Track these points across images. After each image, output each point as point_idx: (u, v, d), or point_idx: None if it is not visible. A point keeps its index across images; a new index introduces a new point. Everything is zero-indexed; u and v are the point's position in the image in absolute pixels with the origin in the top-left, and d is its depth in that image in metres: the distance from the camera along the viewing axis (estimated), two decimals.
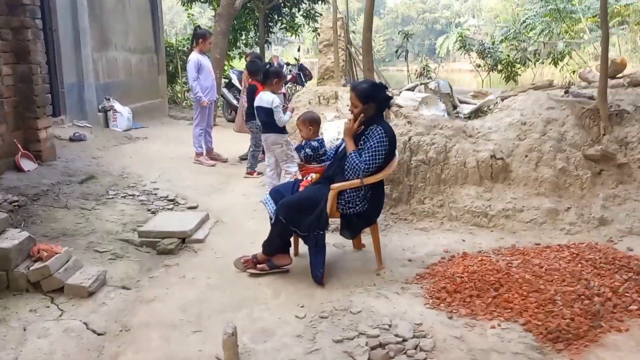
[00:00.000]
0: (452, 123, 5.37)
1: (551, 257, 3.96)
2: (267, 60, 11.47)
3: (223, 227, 5.18)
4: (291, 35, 16.13)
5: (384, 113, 4.16)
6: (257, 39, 15.99)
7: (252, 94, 6.83)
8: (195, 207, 5.67)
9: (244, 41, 15.48)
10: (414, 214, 4.93)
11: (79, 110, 8.68)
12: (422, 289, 3.74)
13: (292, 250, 4.30)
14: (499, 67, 16.22)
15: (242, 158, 7.76)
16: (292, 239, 4.24)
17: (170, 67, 14.17)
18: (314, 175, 4.16)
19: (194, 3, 14.77)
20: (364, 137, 3.90)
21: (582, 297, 3.35)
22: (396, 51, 13.99)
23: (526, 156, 5.05)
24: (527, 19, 16.33)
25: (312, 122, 4.28)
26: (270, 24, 15.51)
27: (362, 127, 3.96)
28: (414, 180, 5.02)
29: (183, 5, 14.94)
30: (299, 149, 4.28)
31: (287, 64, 11.25)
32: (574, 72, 17.59)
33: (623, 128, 5.13)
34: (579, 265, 3.80)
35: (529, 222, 4.72)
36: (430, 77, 16.44)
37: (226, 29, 10.31)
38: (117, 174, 6.39)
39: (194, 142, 7.38)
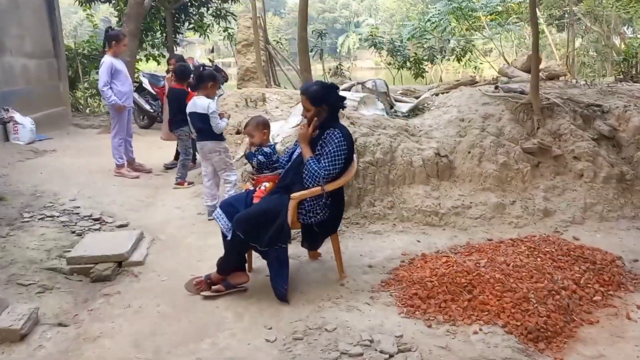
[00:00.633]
0: (393, 122, 5.31)
1: (509, 253, 3.98)
2: None
3: (162, 245, 4.76)
4: (200, 36, 15.52)
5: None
6: (163, 40, 15.27)
7: (177, 99, 6.42)
8: (125, 225, 5.18)
9: (150, 42, 14.68)
10: (365, 217, 4.80)
11: None
12: (392, 296, 3.61)
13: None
14: (407, 64, 16.66)
15: (168, 167, 7.28)
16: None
17: (70, 72, 13.13)
18: (267, 185, 3.89)
19: (92, 3, 13.77)
20: (320, 141, 3.70)
21: (553, 292, 3.37)
22: (311, 50, 13.87)
23: (469, 152, 5.09)
24: (431, 17, 16.86)
25: (265, 126, 4.01)
26: (177, 24, 14.84)
27: (317, 131, 3.76)
28: (362, 183, 4.88)
29: (80, 5, 13.89)
30: (249, 156, 3.99)
31: (203, 66, 10.75)
32: (475, 67, 18.49)
33: (555, 121, 5.31)
34: (539, 259, 3.85)
35: (478, 218, 4.74)
36: (344, 76, 16.57)
37: (135, 30, 9.67)
38: (29, 193, 5.71)
39: (113, 154, 6.79)
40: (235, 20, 14.88)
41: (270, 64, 10.48)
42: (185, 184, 6.43)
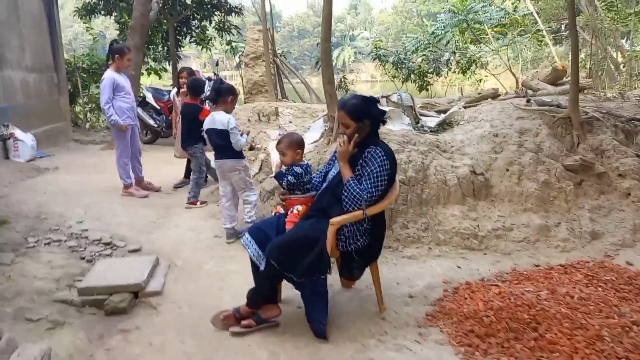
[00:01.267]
0: (423, 138, 4.99)
1: (566, 282, 3.64)
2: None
3: (179, 272, 4.39)
4: (202, 49, 15.24)
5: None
6: (165, 54, 14.98)
7: (191, 114, 6.08)
8: (138, 250, 4.82)
9: (152, 56, 14.39)
10: (398, 240, 4.45)
11: None
12: (443, 333, 3.25)
13: None
14: (412, 77, 16.46)
15: (177, 186, 6.92)
16: None
17: (69, 86, 12.79)
18: (299, 208, 3.53)
19: (93, 15, 13.47)
20: (360, 160, 3.35)
21: (626, 328, 3.02)
22: (316, 63, 13.62)
23: (507, 170, 4.76)
24: (435, 29, 16.69)
25: (300, 145, 3.66)
26: (179, 37, 14.56)
27: (357, 149, 3.42)
28: (394, 203, 4.54)
29: (81, 18, 13.60)
30: (279, 176, 3.63)
31: (209, 79, 10.44)
32: (480, 80, 18.31)
33: (595, 136, 5.00)
34: (599, 288, 3.51)
35: (521, 242, 4.40)
36: (348, 89, 16.32)
37: (140, 43, 9.35)
38: (33, 215, 5.34)
39: (120, 174, 6.41)
40: (239, 33, 14.66)
41: (278, 77, 10.18)
42: (198, 203, 6.07)
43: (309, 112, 7.24)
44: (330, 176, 3.54)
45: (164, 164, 8.11)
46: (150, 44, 14.02)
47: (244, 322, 3.38)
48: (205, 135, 4.89)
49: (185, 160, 6.97)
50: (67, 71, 12.05)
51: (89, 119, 13.94)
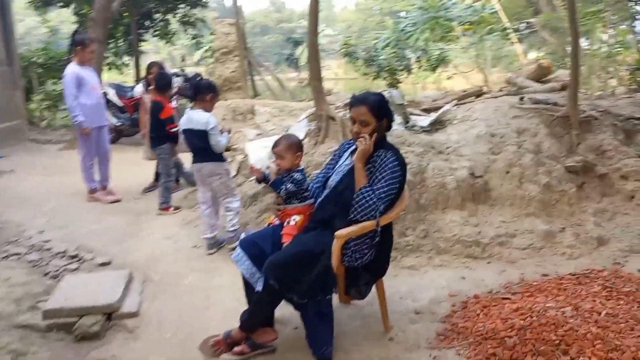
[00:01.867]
0: (419, 139, 4.68)
1: (583, 295, 3.39)
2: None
3: (157, 288, 3.96)
4: (166, 43, 14.63)
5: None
6: (126, 48, 14.30)
7: (157, 112, 5.61)
8: (108, 263, 4.37)
9: (113, 50, 13.68)
10: (396, 249, 4.12)
11: None
12: (460, 355, 2.94)
13: None
14: (382, 74, 16.24)
15: (147, 190, 6.43)
16: None
17: (24, 82, 12.01)
18: (297, 218, 3.16)
19: (49, 7, 12.69)
20: (369, 165, 3.01)
21: None
22: (287, 58, 13.24)
23: (507, 172, 4.50)
24: (405, 26, 16.52)
25: (300, 148, 3.28)
26: (140, 30, 13.91)
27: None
28: None
29: (36, 10, 12.80)
30: (276, 184, 3.24)
31: (176, 75, 9.92)
32: (448, 78, 18.28)
33: (595, 135, 4.80)
34: (621, 302, 3.26)
35: (526, 249, 4.15)
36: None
37: (102, 36, 8.74)
38: None
39: (84, 177, 5.89)
40: (206, 27, 14.11)
41: (250, 74, 9.73)
42: (171, 209, 5.61)
43: (287, 110, 6.86)
44: (332, 182, 3.17)
45: (130, 166, 7.57)
46: (110, 37, 13.33)
47: (236, 349, 3.00)
48: (183, 136, 4.46)
49: (155, 162, 6.49)
50: (21, 66, 11.30)
51: (45, 117, 13.14)
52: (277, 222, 3.29)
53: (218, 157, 4.40)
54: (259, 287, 2.89)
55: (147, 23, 13.99)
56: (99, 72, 9.24)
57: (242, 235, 4.51)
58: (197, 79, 4.38)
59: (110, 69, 14.21)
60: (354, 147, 3.24)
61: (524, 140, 4.70)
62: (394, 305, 3.54)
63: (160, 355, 3.09)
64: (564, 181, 4.50)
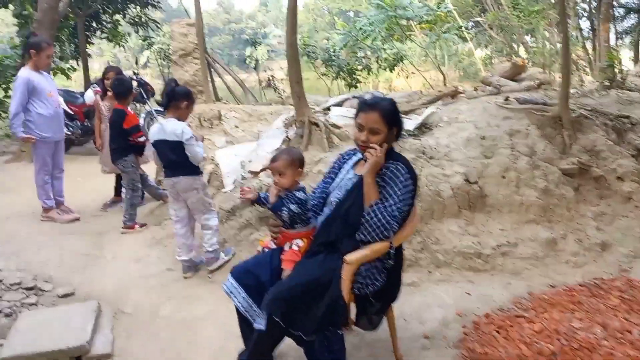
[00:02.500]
0: (407, 143, 4.39)
1: (602, 309, 3.17)
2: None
3: (131, 322, 3.51)
4: (115, 45, 13.88)
5: None
6: (73, 52, 13.47)
7: (120, 122, 5.11)
8: (71, 294, 3.88)
9: (59, 54, 12.84)
10: None
11: None
12: None
13: None
14: (342, 74, 16.00)
15: (108, 206, 5.89)
16: None
17: None
18: (300, 243, 2.78)
19: None
20: (377, 178, 2.66)
21: None
22: (244, 60, 12.77)
23: (503, 177, 4.26)
24: (363, 25, 16.30)
25: (302, 164, 2.89)
26: (88, 33, 13.13)
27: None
28: None
29: None
30: (277, 207, 2.81)
31: (130, 78, 9.30)
32: (407, 77, 18.26)
33: (587, 135, 4.63)
34: None
35: (529, 258, 3.91)
36: (277, 88, 15.54)
37: (50, 39, 8.03)
38: None
39: (39, 194, 5.30)
40: (159, 28, 13.46)
41: (210, 76, 9.24)
42: (137, 227, 5.11)
43: (257, 114, 6.47)
44: (334, 199, 2.80)
45: (84, 179, 6.98)
46: (55, 40, 12.50)
47: None
48: (153, 149, 4.00)
49: (114, 175, 5.96)
50: None
51: None
52: (271, 245, 2.91)
53: (194, 170, 3.97)
54: (259, 325, 2.49)
55: (94, 25, 13.23)
56: None
57: (222, 256, 4.16)
58: (172, 85, 3.91)
59: (56, 74, 13.34)
60: (356, 158, 2.91)
61: (517, 143, 4.48)
62: (401, 330, 3.21)
63: None
64: (561, 185, 4.30)
